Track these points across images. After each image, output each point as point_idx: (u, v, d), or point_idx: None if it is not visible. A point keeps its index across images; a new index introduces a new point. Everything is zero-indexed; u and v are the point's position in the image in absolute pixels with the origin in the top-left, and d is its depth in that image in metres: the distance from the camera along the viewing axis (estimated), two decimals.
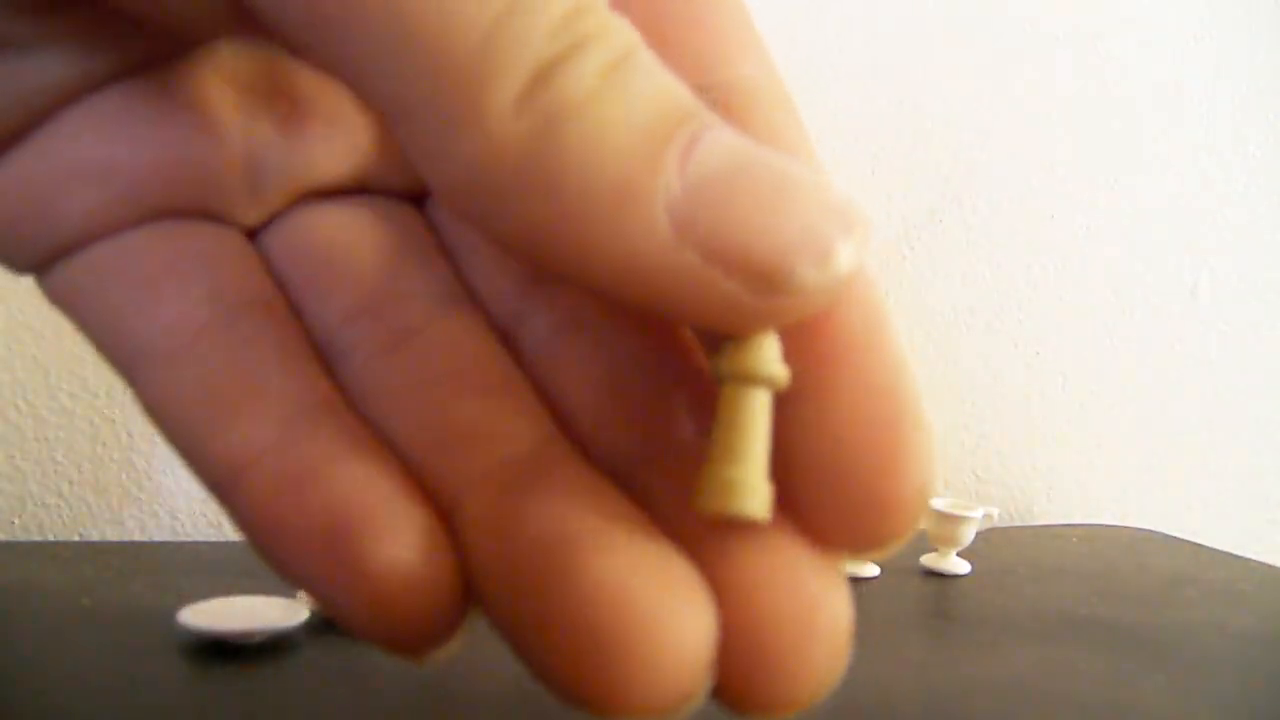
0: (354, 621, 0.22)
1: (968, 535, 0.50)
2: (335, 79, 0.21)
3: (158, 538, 0.54)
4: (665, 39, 0.24)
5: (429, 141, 0.20)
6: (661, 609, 0.20)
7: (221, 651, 0.35)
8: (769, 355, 0.21)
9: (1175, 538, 0.62)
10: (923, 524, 0.50)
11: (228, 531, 0.54)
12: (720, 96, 0.24)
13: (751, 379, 0.20)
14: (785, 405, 0.21)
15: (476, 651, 0.37)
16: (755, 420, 0.21)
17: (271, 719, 0.30)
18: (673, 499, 0.22)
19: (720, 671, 0.20)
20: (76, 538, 0.53)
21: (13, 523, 0.53)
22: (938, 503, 0.51)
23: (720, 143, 0.20)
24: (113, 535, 0.53)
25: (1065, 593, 0.48)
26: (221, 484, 0.24)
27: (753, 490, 0.20)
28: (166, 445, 0.24)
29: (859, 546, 0.22)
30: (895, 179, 0.63)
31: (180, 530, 0.54)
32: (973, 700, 0.34)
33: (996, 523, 0.52)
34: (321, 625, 0.38)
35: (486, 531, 0.23)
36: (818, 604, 0.22)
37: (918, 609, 0.45)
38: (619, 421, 0.24)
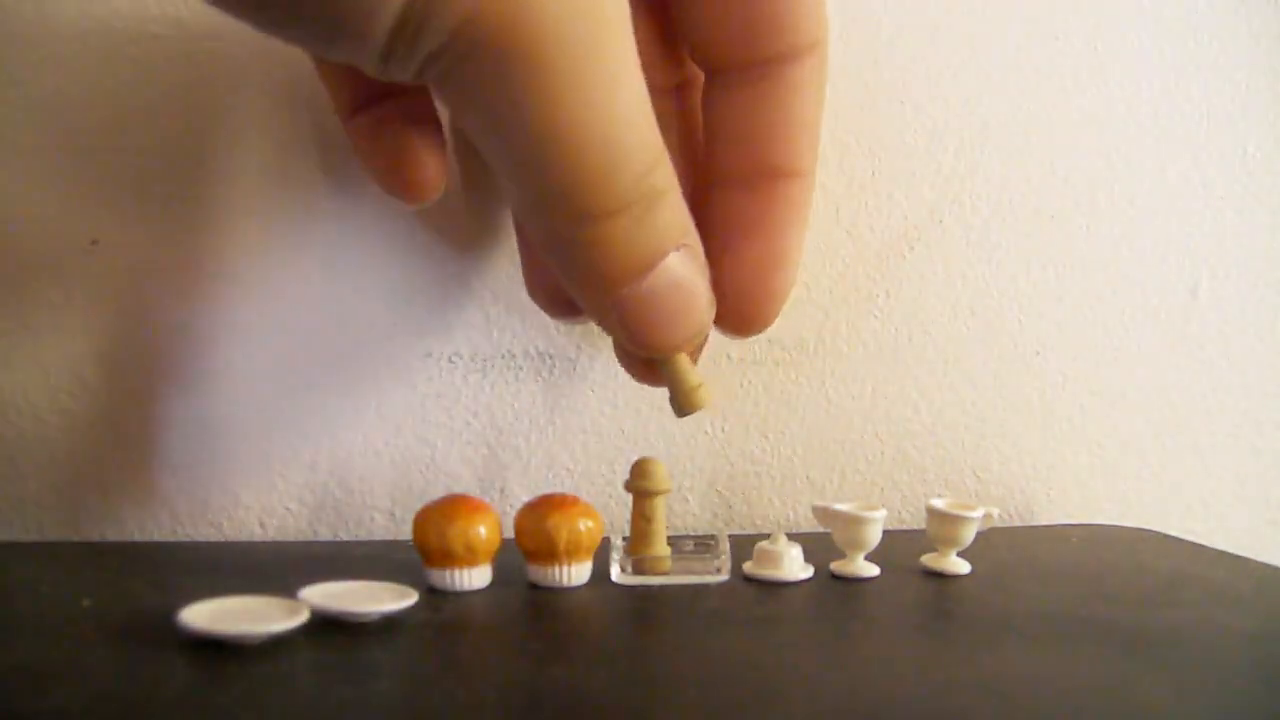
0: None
1: (968, 535, 0.50)
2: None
3: (158, 538, 0.54)
4: (765, 126, 0.45)
5: (546, 214, 0.38)
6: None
7: (221, 651, 0.35)
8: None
9: (1175, 538, 0.62)
10: (923, 524, 0.51)
11: (228, 531, 0.54)
12: (774, 182, 0.45)
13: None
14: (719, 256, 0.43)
15: (478, 651, 0.37)
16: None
17: (271, 719, 0.30)
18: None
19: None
20: (76, 538, 0.53)
21: (12, 523, 0.53)
22: (937, 503, 0.51)
23: (668, 269, 0.40)
24: (113, 535, 0.53)
25: (1065, 593, 0.48)
26: None
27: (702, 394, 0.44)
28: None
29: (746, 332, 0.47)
30: (895, 179, 0.63)
31: (180, 530, 0.54)
32: (973, 700, 0.34)
33: (996, 523, 0.52)
34: (321, 625, 0.38)
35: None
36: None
37: (918, 609, 0.45)
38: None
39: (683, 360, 0.43)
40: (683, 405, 0.44)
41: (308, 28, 0.34)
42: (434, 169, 0.47)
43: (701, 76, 0.47)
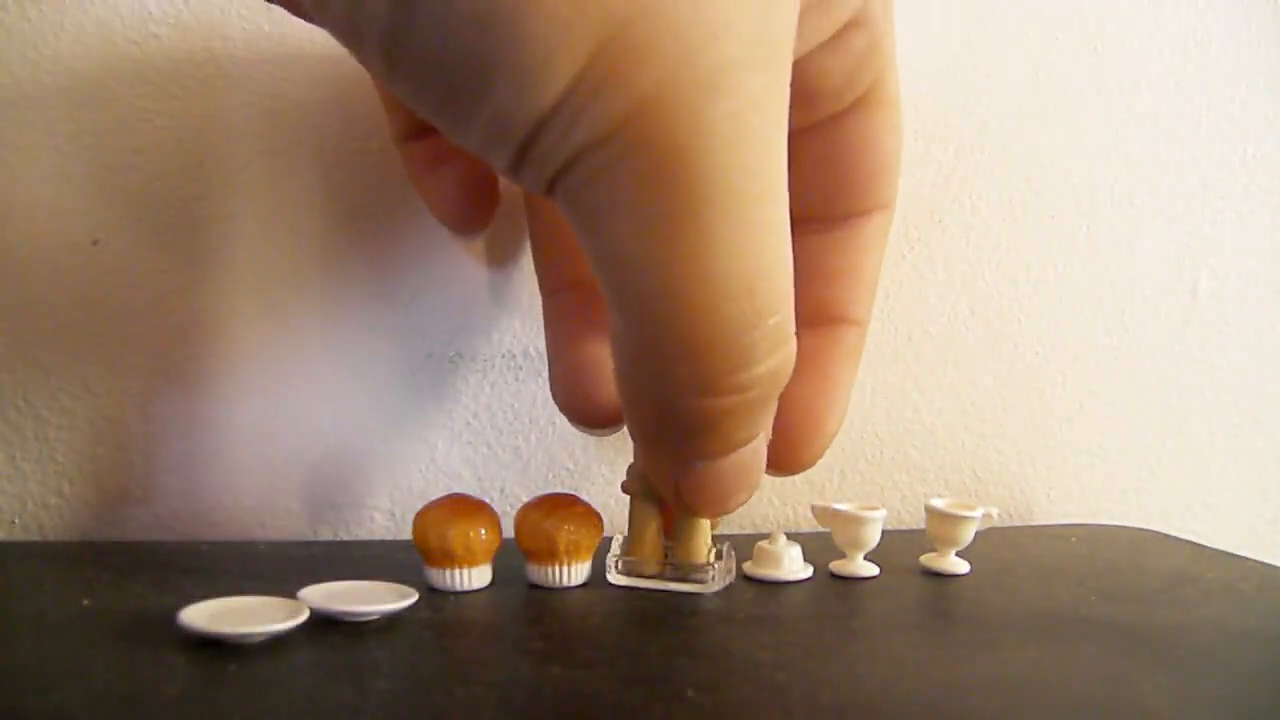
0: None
1: (968, 535, 0.50)
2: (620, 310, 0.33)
3: (158, 538, 0.54)
4: (831, 272, 0.44)
5: (659, 368, 0.34)
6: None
7: (221, 651, 0.35)
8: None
9: (1175, 538, 0.62)
10: (923, 524, 0.51)
11: (228, 531, 0.54)
12: (834, 327, 0.44)
13: None
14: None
15: (478, 651, 0.37)
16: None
17: (271, 719, 0.30)
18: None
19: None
20: (76, 538, 0.53)
21: (13, 522, 0.53)
22: (937, 502, 0.51)
23: (748, 449, 0.37)
24: (113, 535, 0.53)
25: (1065, 593, 0.48)
26: None
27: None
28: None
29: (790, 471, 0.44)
30: None
31: (180, 530, 0.54)
32: (972, 700, 0.34)
33: (996, 523, 0.52)
34: (321, 625, 0.38)
35: None
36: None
37: (918, 609, 0.45)
38: None
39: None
40: (689, 553, 0.45)
41: (438, 91, 0.30)
42: (488, 205, 0.47)
43: None
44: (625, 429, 0.39)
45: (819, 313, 0.44)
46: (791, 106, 0.33)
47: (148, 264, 0.53)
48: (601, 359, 0.46)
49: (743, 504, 0.40)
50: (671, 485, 0.39)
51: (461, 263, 0.56)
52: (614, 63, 0.28)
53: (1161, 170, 0.68)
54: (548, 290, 0.49)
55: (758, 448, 0.38)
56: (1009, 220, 0.65)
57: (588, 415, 0.48)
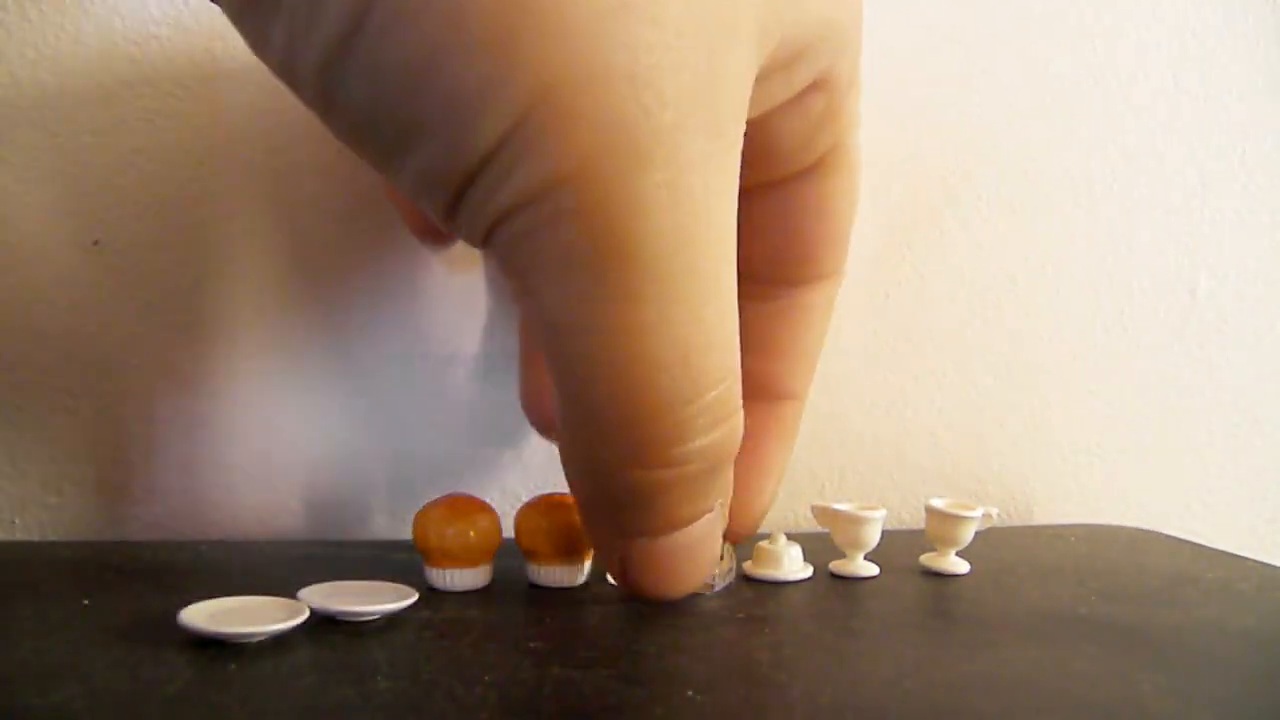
0: None
1: (967, 535, 0.50)
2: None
3: (158, 538, 0.54)
4: (771, 344, 0.43)
5: (593, 438, 0.33)
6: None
7: (222, 651, 0.35)
8: None
9: (1175, 538, 0.62)
10: (923, 524, 0.51)
11: (227, 531, 0.54)
12: (770, 402, 0.44)
13: None
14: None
15: (478, 651, 0.37)
16: None
17: (271, 718, 0.30)
18: None
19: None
20: (77, 538, 0.53)
21: (13, 522, 0.53)
22: (937, 502, 0.51)
23: (699, 526, 0.36)
24: (113, 535, 0.53)
25: (1065, 593, 0.48)
26: None
27: None
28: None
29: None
30: (895, 179, 0.63)
31: (180, 530, 0.54)
32: (972, 699, 0.34)
33: (996, 523, 0.52)
34: (321, 625, 0.38)
35: None
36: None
37: (917, 609, 0.45)
38: None
39: None
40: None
41: (375, 140, 0.31)
42: None
43: None
44: None
45: (756, 387, 0.42)
46: (745, 165, 0.32)
47: (148, 264, 0.53)
48: None
49: (694, 589, 0.39)
50: (616, 563, 0.37)
51: (461, 263, 0.56)
52: (542, 126, 0.28)
53: (1159, 163, 0.68)
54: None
55: (706, 527, 0.36)
56: (1008, 216, 0.65)
57: (545, 426, 0.49)
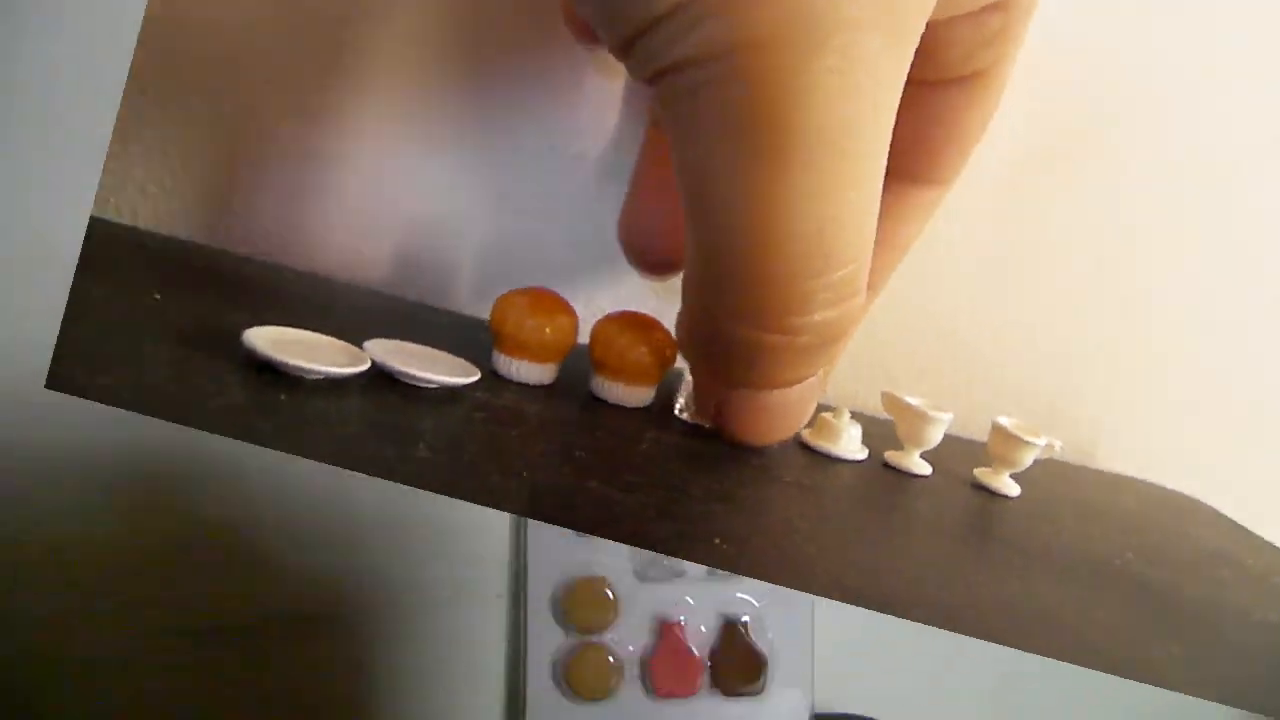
0: None
1: (1026, 460, 0.50)
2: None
3: (245, 252, 0.54)
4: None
5: (720, 295, 0.35)
6: None
7: (276, 379, 0.35)
8: None
9: (1227, 517, 0.61)
10: (986, 438, 0.50)
11: (314, 263, 0.54)
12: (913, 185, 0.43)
13: None
14: None
15: (523, 445, 0.37)
16: None
17: (304, 454, 0.30)
18: None
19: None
20: (167, 231, 0.54)
21: (109, 200, 0.53)
22: (1004, 421, 0.50)
23: (800, 387, 0.38)
24: (202, 239, 0.54)
25: (1105, 541, 0.47)
26: None
27: None
28: None
29: None
30: (1054, 102, 0.62)
31: (268, 251, 0.54)
32: (990, 620, 0.34)
33: (1057, 454, 0.51)
34: (378, 380, 0.38)
35: None
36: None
37: (959, 519, 0.45)
38: None
39: None
40: None
41: None
42: None
43: None
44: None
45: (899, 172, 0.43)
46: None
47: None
48: (670, 208, 0.45)
49: (783, 440, 0.42)
50: (712, 406, 0.40)
51: (581, 70, 0.55)
52: None
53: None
54: (651, 120, 0.50)
55: (805, 391, 0.39)
56: (1149, 165, 0.63)
57: (639, 257, 0.50)
